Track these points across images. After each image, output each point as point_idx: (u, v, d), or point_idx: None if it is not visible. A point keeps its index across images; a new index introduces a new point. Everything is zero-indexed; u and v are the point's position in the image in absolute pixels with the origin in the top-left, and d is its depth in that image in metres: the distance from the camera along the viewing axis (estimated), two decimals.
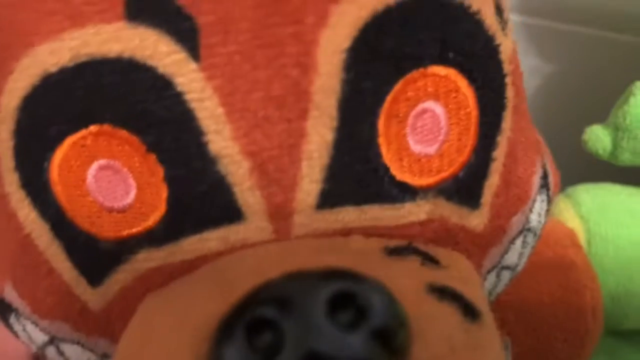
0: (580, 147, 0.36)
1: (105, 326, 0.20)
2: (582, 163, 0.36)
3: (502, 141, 0.20)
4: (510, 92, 0.20)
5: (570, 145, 0.35)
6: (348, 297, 0.15)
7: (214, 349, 0.15)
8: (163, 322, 0.17)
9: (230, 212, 0.18)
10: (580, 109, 0.39)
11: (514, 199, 0.21)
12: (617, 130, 0.34)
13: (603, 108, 0.35)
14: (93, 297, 0.19)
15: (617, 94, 0.35)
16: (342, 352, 0.14)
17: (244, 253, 0.18)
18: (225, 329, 0.15)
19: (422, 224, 0.19)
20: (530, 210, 0.22)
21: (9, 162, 0.19)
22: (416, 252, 0.18)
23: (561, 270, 0.30)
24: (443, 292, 0.17)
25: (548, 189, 0.23)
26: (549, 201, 0.23)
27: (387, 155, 0.19)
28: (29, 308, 0.21)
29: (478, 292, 0.19)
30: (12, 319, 0.21)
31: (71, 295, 0.20)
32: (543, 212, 0.23)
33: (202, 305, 0.17)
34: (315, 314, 0.14)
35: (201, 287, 0.18)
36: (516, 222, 0.21)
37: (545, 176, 0.23)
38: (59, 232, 0.19)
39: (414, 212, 0.19)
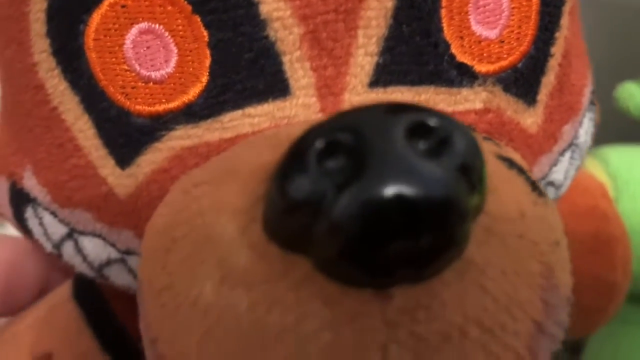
0: (610, 108, 0.35)
1: (131, 215, 0.18)
2: (611, 125, 0.35)
3: (560, 38, 0.19)
4: None
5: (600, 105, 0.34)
6: (428, 129, 0.13)
7: (278, 181, 0.14)
8: (207, 177, 0.16)
9: (277, 86, 0.17)
10: (613, 66, 0.38)
11: (566, 106, 0.20)
12: None
13: (636, 66, 0.35)
14: (120, 180, 0.18)
15: None
16: (426, 180, 0.13)
17: (289, 124, 0.17)
18: (293, 157, 0.13)
19: (477, 112, 0.18)
20: (580, 124, 0.21)
21: (40, 26, 0.18)
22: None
23: (593, 219, 0.30)
24: (511, 163, 0.16)
25: (595, 109, 0.22)
26: (594, 125, 0.22)
27: (448, 31, 0.18)
28: (49, 195, 0.19)
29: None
30: (29, 212, 0.20)
31: (96, 178, 0.18)
32: (590, 132, 0.22)
33: (253, 158, 0.16)
34: (395, 141, 0.13)
35: (248, 148, 0.16)
36: (567, 132, 0.20)
37: (593, 93, 0.22)
38: (89, 104, 0.18)
39: (471, 99, 0.18)
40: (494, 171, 0.15)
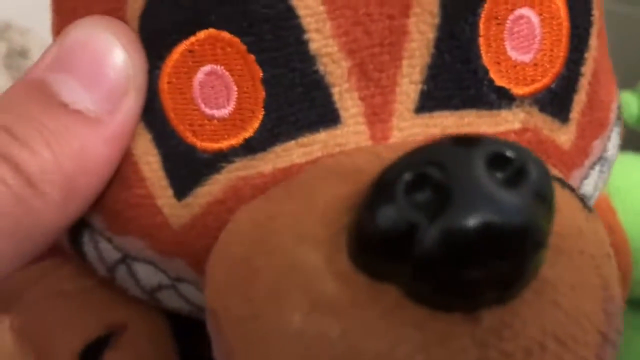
0: None
1: (183, 244, 0.19)
2: None
3: (589, 58, 0.20)
4: (596, 11, 0.21)
5: None
6: (505, 160, 0.14)
7: (366, 211, 0.14)
8: (281, 209, 0.17)
9: (327, 116, 0.18)
10: None
11: (596, 122, 0.21)
12: None
13: (632, 75, 0.36)
14: (176, 211, 0.19)
15: None
16: (508, 210, 0.14)
17: (344, 153, 0.18)
18: (380, 189, 0.14)
19: (517, 132, 0.19)
20: (609, 138, 0.22)
21: None
22: None
23: None
24: (562, 182, 0.17)
25: (620, 123, 0.23)
26: (620, 138, 0.23)
27: (486, 58, 0.18)
28: (106, 223, 0.20)
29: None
30: (85, 237, 0.21)
31: (153, 208, 0.19)
32: (616, 145, 0.23)
33: (327, 189, 0.16)
34: (477, 172, 0.14)
35: (317, 180, 0.17)
36: (597, 146, 0.21)
37: (619, 108, 0.23)
38: (160, 140, 0.19)
39: (510, 119, 0.19)
40: (555, 192, 0.16)
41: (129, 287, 0.21)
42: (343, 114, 0.18)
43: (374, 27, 0.18)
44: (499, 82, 0.19)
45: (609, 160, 0.22)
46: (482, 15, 0.18)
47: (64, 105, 0.18)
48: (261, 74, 0.18)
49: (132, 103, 0.19)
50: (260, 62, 0.18)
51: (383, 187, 0.14)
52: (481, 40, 0.18)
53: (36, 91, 0.19)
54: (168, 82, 0.18)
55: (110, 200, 0.20)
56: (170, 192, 0.19)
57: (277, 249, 0.16)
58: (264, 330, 0.15)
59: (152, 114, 0.19)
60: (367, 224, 0.14)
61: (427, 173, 0.14)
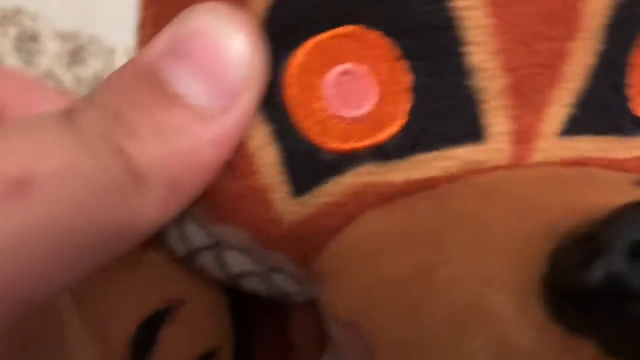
0: None
1: (291, 240, 0.19)
2: None
3: None
4: None
5: None
6: None
7: (573, 266, 0.14)
8: (443, 237, 0.16)
9: (472, 131, 0.17)
10: None
11: None
12: None
13: None
14: (290, 207, 0.18)
15: None
16: None
17: (499, 177, 0.17)
18: (597, 245, 0.14)
19: None
20: None
21: None
22: None
23: None
24: None
25: None
26: None
27: (632, 88, 0.18)
28: (205, 210, 0.19)
29: None
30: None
31: (264, 202, 0.18)
32: None
33: (501, 224, 0.16)
34: None
35: (480, 208, 0.16)
36: None
37: None
38: (280, 135, 0.18)
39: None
40: None
41: (209, 269, 0.21)
42: (489, 130, 0.17)
43: (539, 47, 0.17)
44: (637, 112, 0.18)
45: None
46: (637, 43, 0.18)
47: (177, 97, 0.17)
48: (411, 81, 0.17)
49: (248, 102, 0.17)
50: (412, 69, 0.17)
51: (601, 243, 0.14)
52: (630, 70, 0.18)
53: (147, 78, 0.17)
54: (296, 75, 0.18)
55: (214, 188, 0.19)
56: (286, 187, 0.18)
57: (454, 284, 0.15)
58: None
59: (274, 106, 0.18)
60: (578, 280, 0.14)
61: None
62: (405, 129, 0.17)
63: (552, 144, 0.18)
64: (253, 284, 0.21)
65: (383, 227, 0.17)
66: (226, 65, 0.17)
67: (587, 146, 0.18)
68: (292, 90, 0.18)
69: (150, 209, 0.17)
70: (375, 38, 0.17)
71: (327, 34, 0.17)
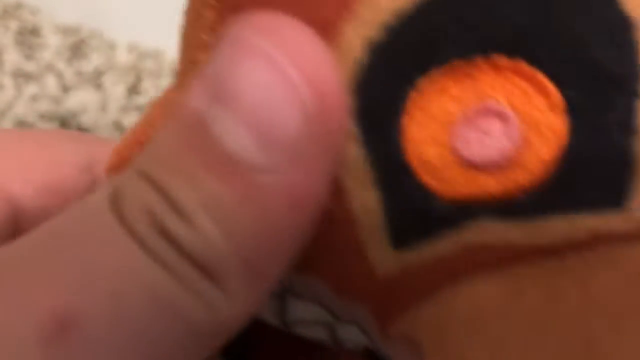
0: None
1: (379, 295, 0.16)
2: None
3: None
4: None
5: None
6: None
7: None
8: (594, 331, 0.14)
9: (615, 196, 0.15)
10: None
11: None
12: None
13: None
14: (387, 260, 0.16)
15: None
16: None
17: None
18: None
19: None
20: None
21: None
22: None
23: None
24: None
25: None
26: None
27: None
28: None
29: None
30: None
31: (358, 253, 0.16)
32: None
33: None
34: None
35: (627, 298, 0.14)
36: None
37: None
38: (387, 175, 0.15)
39: None
40: None
41: (264, 312, 0.18)
42: (632, 198, 0.15)
43: None
44: None
45: None
46: None
47: (228, 156, 0.14)
48: (565, 132, 0.15)
49: (318, 148, 0.14)
50: (570, 120, 0.15)
51: None
52: None
53: (191, 130, 0.14)
54: (420, 107, 0.15)
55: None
56: (385, 238, 0.16)
57: None
58: None
59: (382, 141, 0.15)
60: None
61: None
62: (542, 186, 0.15)
63: None
64: (312, 331, 0.19)
65: (505, 303, 0.15)
66: (277, 110, 0.13)
67: None
68: (411, 125, 0.15)
69: (229, 300, 0.14)
70: (530, 74, 0.15)
71: (465, 61, 0.15)
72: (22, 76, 0.45)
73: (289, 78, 0.13)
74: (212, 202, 0.14)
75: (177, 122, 0.14)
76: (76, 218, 0.15)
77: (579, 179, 0.15)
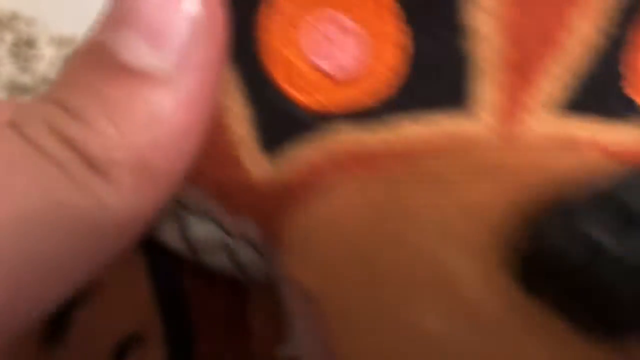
0: None
1: (259, 203, 0.18)
2: None
3: None
4: None
5: None
6: None
7: (545, 231, 0.13)
8: (409, 199, 0.15)
9: (460, 99, 0.17)
10: None
11: None
12: None
13: None
14: (261, 167, 0.17)
15: None
16: None
17: (476, 146, 0.17)
18: (571, 210, 0.13)
19: (636, 144, 0.18)
20: None
21: None
22: None
23: None
24: None
25: None
26: None
27: (626, 66, 0.18)
28: None
29: None
30: None
31: (233, 160, 0.18)
32: None
33: (471, 187, 0.15)
34: None
35: (454, 172, 0.16)
36: None
37: None
38: (249, 84, 0.17)
39: (633, 132, 0.18)
40: None
41: (171, 240, 0.20)
42: (477, 100, 0.17)
43: (536, 14, 0.17)
44: (631, 94, 0.18)
45: None
46: (636, 24, 0.18)
47: (125, 66, 0.15)
48: (403, 40, 0.16)
49: (206, 54, 0.16)
50: (408, 24, 0.16)
51: (574, 208, 0.13)
52: (628, 49, 0.18)
53: (93, 55, 0.16)
54: (271, 18, 0.17)
55: None
56: (256, 145, 0.17)
57: (414, 245, 0.15)
58: (388, 330, 0.14)
59: (243, 52, 0.17)
60: (547, 245, 0.13)
61: (626, 202, 0.13)
62: (389, 91, 0.17)
63: (541, 122, 0.17)
64: (217, 259, 0.20)
65: (356, 198, 0.16)
66: (174, 18, 0.15)
67: (578, 126, 0.17)
68: (265, 35, 0.17)
69: (122, 202, 0.15)
70: None
71: None
72: (16, 89, 0.45)
73: None
74: (109, 105, 0.15)
75: (79, 53, 0.16)
76: None
77: (423, 83, 0.17)
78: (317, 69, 0.17)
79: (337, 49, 0.16)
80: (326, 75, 0.17)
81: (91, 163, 0.15)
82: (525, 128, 0.17)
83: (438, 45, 0.16)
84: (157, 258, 0.22)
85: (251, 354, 0.18)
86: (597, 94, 0.18)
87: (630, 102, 0.18)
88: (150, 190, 0.16)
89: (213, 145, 0.17)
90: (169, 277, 0.22)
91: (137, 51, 0.15)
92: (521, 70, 0.17)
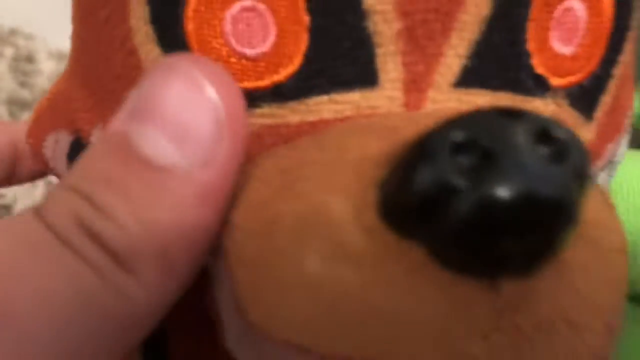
0: None
1: None
2: None
3: (621, 62, 0.20)
4: (634, 15, 0.21)
5: None
6: (550, 137, 0.14)
7: (405, 169, 0.14)
8: (311, 158, 0.17)
9: (366, 76, 0.18)
10: None
11: (614, 125, 0.21)
12: None
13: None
14: None
15: None
16: (549, 184, 0.14)
17: (378, 115, 0.18)
18: (423, 147, 0.14)
19: None
20: (619, 144, 0.22)
21: None
22: None
23: None
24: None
25: (630, 130, 0.23)
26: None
27: (531, 43, 0.18)
28: None
29: None
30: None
31: None
32: (623, 152, 0.23)
33: (361, 144, 0.16)
34: (523, 144, 0.14)
35: (350, 135, 0.17)
36: (609, 150, 0.21)
37: (631, 116, 0.23)
38: None
39: (541, 109, 0.19)
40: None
41: None
42: (382, 76, 0.18)
43: None
44: (539, 69, 0.19)
45: (614, 165, 0.22)
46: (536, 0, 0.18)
47: (149, 161, 0.15)
48: (309, 22, 0.17)
49: (227, 151, 0.16)
50: (310, 9, 0.17)
51: (426, 146, 0.14)
52: (530, 25, 0.18)
53: (116, 147, 0.16)
54: (195, 10, 0.18)
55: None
56: None
57: (303, 195, 0.16)
58: (278, 275, 0.15)
59: (173, 42, 0.18)
60: (404, 182, 0.14)
61: (474, 137, 0.14)
62: (301, 70, 0.17)
63: (445, 95, 0.18)
64: None
65: (270, 168, 0.17)
66: (196, 117, 0.16)
67: (483, 100, 0.18)
68: (190, 25, 0.18)
69: (146, 296, 0.15)
70: None
71: None
72: (16, 104, 0.45)
73: (205, 91, 0.16)
74: (133, 199, 0.15)
75: (101, 142, 0.16)
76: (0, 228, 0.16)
77: (330, 61, 0.17)
78: (242, 56, 0.18)
79: (256, 35, 0.17)
80: (249, 60, 0.17)
81: (118, 259, 0.15)
82: (429, 101, 0.18)
83: (343, 27, 0.17)
84: None
85: (225, 350, 0.18)
86: (502, 70, 0.18)
87: (541, 80, 0.19)
88: (171, 281, 0.16)
89: None
90: None
91: (161, 149, 0.16)
92: (421, 46, 0.18)
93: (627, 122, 0.22)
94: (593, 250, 0.16)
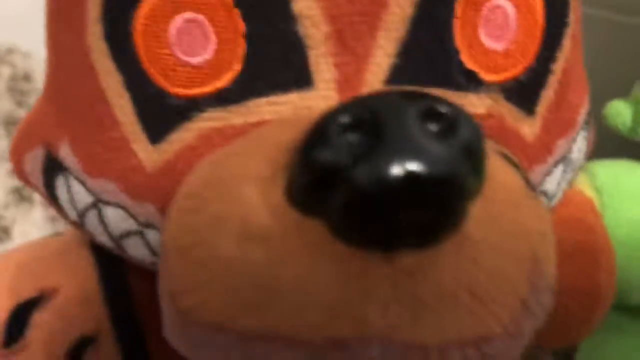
0: (598, 124, 0.36)
1: (155, 189, 0.20)
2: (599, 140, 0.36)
3: (561, 58, 0.21)
4: (572, 14, 0.21)
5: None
6: (438, 114, 0.15)
7: (302, 150, 0.15)
8: (234, 150, 0.18)
9: (301, 78, 0.19)
10: (601, 84, 0.39)
11: (563, 121, 0.22)
12: (638, 104, 0.34)
13: (625, 84, 0.36)
14: (150, 155, 0.20)
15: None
16: (433, 159, 0.14)
17: (308, 112, 0.18)
18: (317, 129, 0.15)
19: (481, 117, 0.19)
20: (574, 140, 0.22)
21: (95, 12, 0.20)
22: None
23: (579, 232, 0.31)
24: (508, 158, 0.18)
25: (589, 129, 0.24)
26: (588, 144, 0.24)
27: (459, 40, 0.19)
28: (81, 165, 0.21)
29: None
30: (59, 181, 0.22)
31: (128, 151, 0.20)
32: (583, 150, 0.23)
33: (277, 134, 0.17)
34: (409, 122, 0.15)
35: (271, 128, 0.18)
36: (561, 145, 0.22)
37: (589, 114, 0.23)
38: (131, 83, 0.19)
39: (475, 104, 0.19)
40: (493, 161, 0.17)
41: (97, 232, 0.22)
42: (316, 77, 0.19)
43: None
44: (470, 65, 0.19)
45: (573, 161, 0.23)
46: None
47: None
48: (244, 29, 0.18)
49: None
50: (245, 17, 0.18)
51: (320, 128, 0.15)
52: (456, 23, 0.19)
53: None
54: (143, 24, 0.19)
55: (88, 143, 0.20)
56: (144, 136, 0.20)
57: (224, 183, 0.17)
58: (202, 257, 0.16)
59: (124, 56, 0.19)
60: (302, 161, 0.15)
61: (361, 117, 0.15)
62: (240, 75, 0.19)
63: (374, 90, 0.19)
64: (136, 248, 0.22)
65: (206, 165, 0.18)
66: None
67: None
68: (139, 39, 0.19)
69: None
70: None
71: None
72: (13, 124, 0.45)
73: None
74: None
75: None
76: None
77: (267, 65, 0.19)
78: (187, 64, 0.19)
79: (198, 45, 0.19)
80: (194, 68, 0.19)
81: None
82: None
83: (276, 32, 0.18)
84: (105, 261, 0.24)
85: None
86: (432, 67, 0.19)
87: (472, 75, 0.19)
88: None
89: (113, 140, 0.20)
90: (116, 279, 0.24)
91: None
92: (350, 47, 0.18)
93: (580, 120, 0.23)
94: (504, 229, 0.17)
